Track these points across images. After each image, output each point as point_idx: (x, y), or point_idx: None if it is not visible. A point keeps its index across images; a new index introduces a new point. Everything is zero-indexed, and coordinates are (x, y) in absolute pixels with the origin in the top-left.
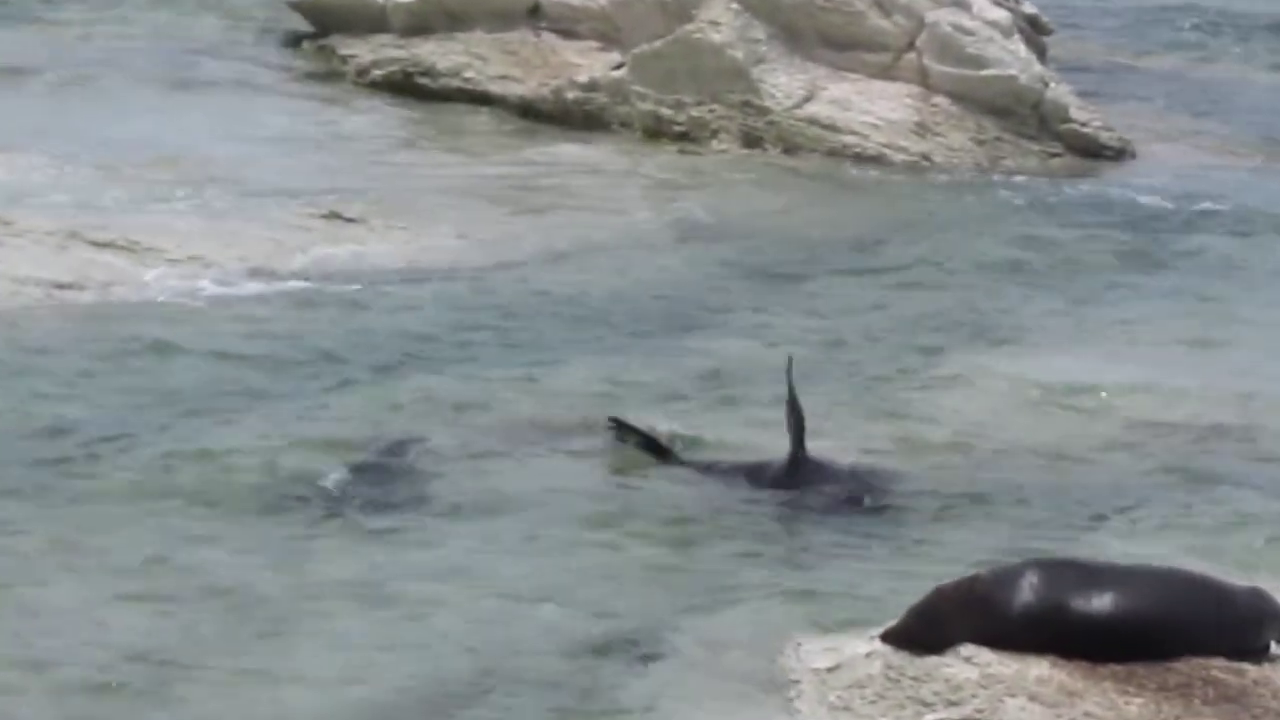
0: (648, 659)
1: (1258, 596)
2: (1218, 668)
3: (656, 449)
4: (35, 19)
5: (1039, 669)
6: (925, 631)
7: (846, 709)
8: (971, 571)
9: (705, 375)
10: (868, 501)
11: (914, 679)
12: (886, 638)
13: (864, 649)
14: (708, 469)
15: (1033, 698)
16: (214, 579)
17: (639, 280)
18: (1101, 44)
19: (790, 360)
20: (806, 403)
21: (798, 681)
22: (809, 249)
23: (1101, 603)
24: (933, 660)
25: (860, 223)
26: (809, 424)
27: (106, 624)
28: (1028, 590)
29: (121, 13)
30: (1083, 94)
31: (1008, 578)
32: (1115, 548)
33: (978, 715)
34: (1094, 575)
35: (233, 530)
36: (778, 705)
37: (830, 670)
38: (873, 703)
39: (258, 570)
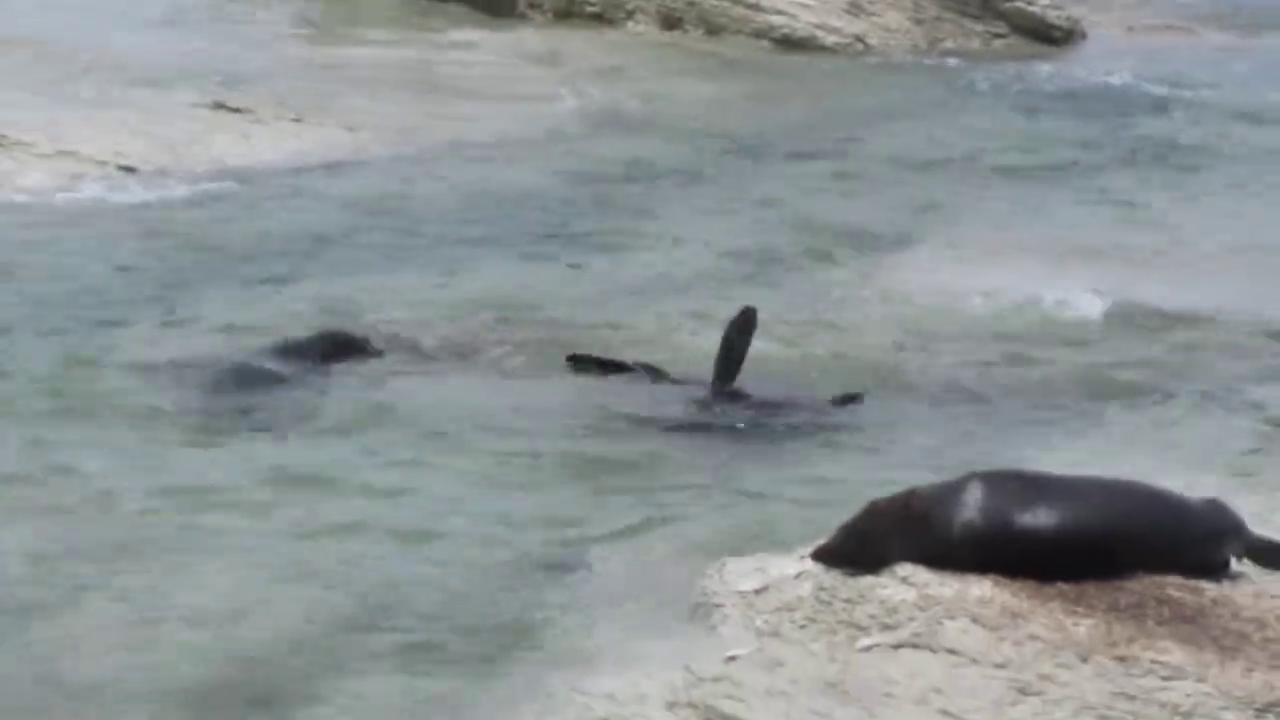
0: (567, 581)
1: (1216, 508)
2: (1173, 586)
3: (616, 365)
4: None
5: (981, 589)
6: (860, 550)
7: (775, 634)
8: (907, 487)
9: (623, 285)
10: (797, 418)
11: (847, 601)
12: (818, 556)
13: (793, 569)
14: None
15: (974, 620)
16: (95, 489)
17: (547, 176)
18: None
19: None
20: (721, 309)
21: (721, 605)
22: (732, 141)
23: (1049, 516)
24: (867, 581)
25: (788, 113)
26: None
27: None
28: (970, 505)
29: None
30: None
31: (947, 492)
32: (1060, 458)
33: (915, 639)
34: (1040, 488)
35: (115, 440)
36: (701, 631)
37: (757, 592)
38: (803, 627)
39: (147, 481)
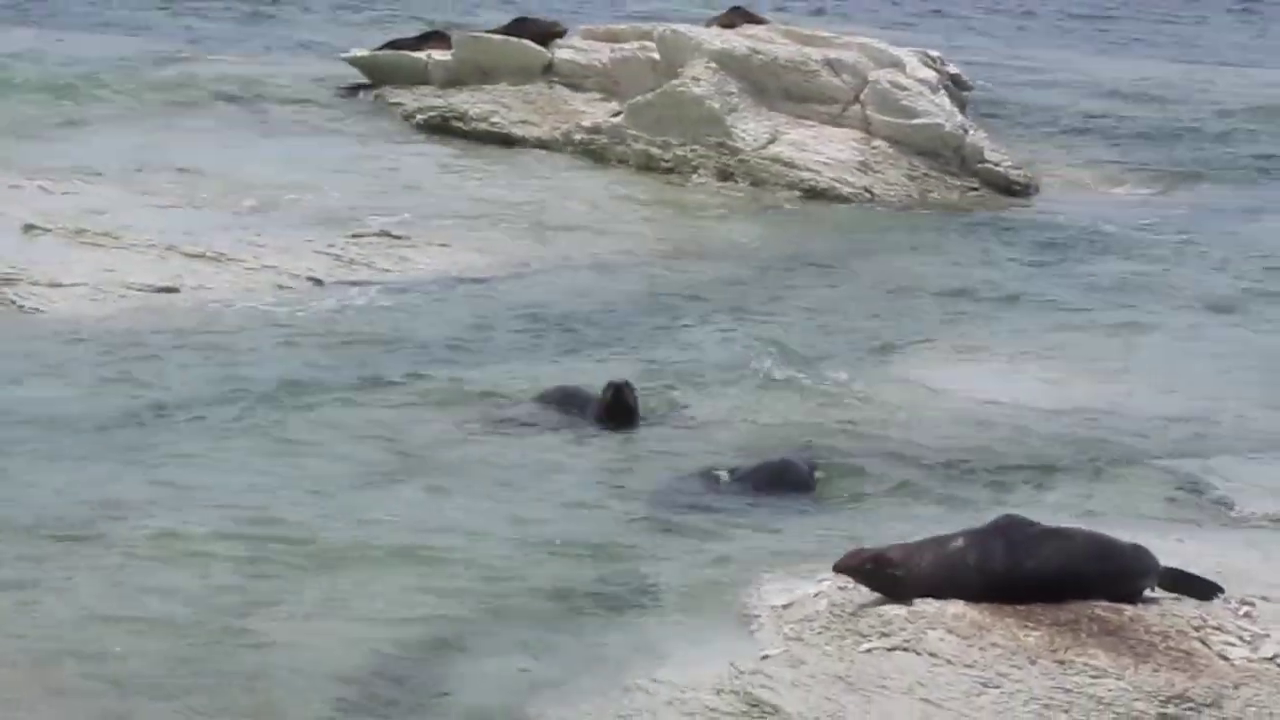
0: (629, 601)
1: (1140, 552)
2: (1101, 608)
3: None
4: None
5: (955, 607)
6: (881, 581)
7: (798, 639)
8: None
9: (672, 367)
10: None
11: (852, 615)
12: (841, 569)
13: (812, 589)
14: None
15: (950, 630)
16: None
17: (627, 292)
18: (1017, 98)
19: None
20: (766, 391)
21: (758, 616)
22: (769, 267)
23: (1042, 563)
24: (869, 597)
25: (813, 245)
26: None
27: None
28: (996, 555)
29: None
30: (997, 132)
31: (971, 541)
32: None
33: (905, 644)
34: (1028, 540)
35: (322, 485)
36: (742, 636)
37: (785, 607)
38: (819, 633)
39: (315, 514)
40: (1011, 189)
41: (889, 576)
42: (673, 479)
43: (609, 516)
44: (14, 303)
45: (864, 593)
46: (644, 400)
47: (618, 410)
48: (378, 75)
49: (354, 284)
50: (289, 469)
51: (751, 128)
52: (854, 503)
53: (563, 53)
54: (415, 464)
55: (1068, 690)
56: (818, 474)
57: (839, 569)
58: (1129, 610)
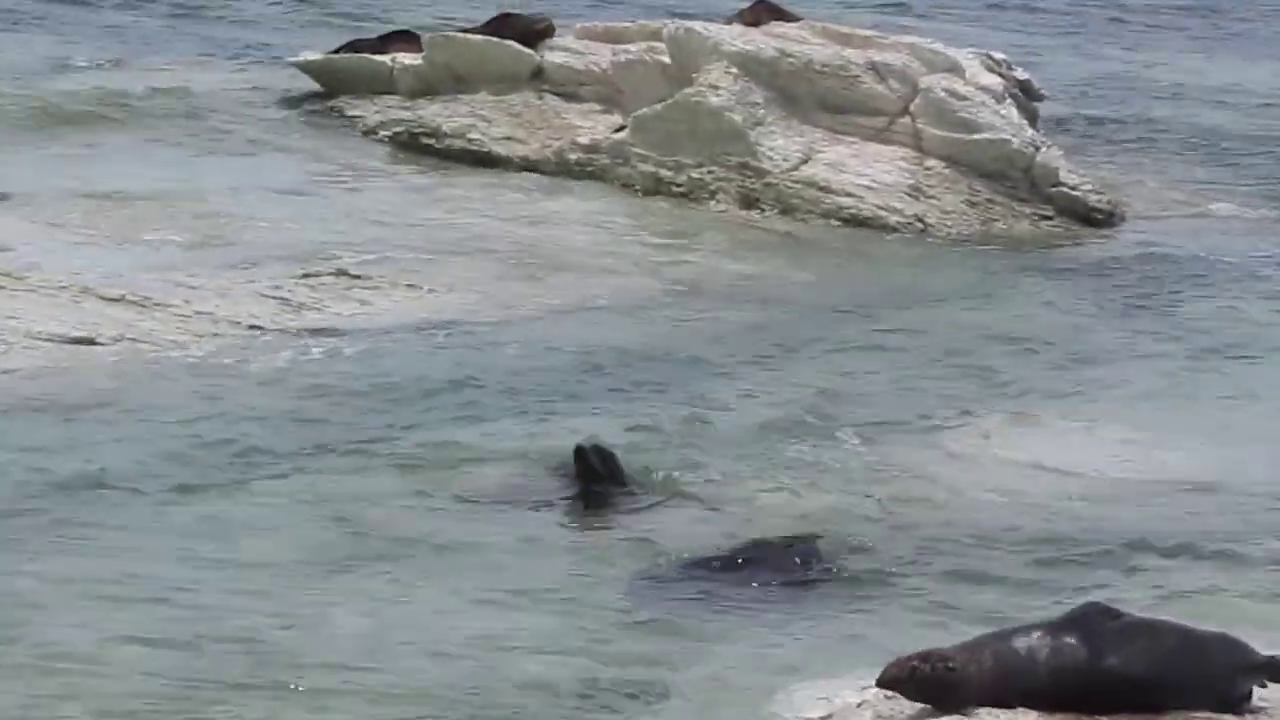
0: (631, 712)
1: (1242, 647)
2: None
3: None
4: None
5: (1026, 718)
6: (933, 692)
7: None
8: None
9: (681, 430)
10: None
11: None
12: (886, 684)
13: (854, 698)
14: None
15: None
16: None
17: (632, 341)
18: (1090, 109)
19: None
20: (792, 461)
21: None
22: (801, 314)
23: (1123, 660)
24: (921, 710)
25: (855, 287)
26: None
27: None
28: (1066, 652)
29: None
30: (1075, 150)
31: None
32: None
33: None
34: (1104, 634)
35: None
36: None
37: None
38: None
39: (261, 612)
40: (1092, 217)
41: (943, 680)
42: (674, 564)
43: (599, 608)
44: None
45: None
46: (650, 469)
47: (584, 477)
48: (333, 83)
49: (305, 333)
50: (228, 556)
51: (780, 145)
52: (900, 595)
53: (554, 56)
54: (376, 546)
55: None
56: (819, 564)
57: (884, 683)
58: None
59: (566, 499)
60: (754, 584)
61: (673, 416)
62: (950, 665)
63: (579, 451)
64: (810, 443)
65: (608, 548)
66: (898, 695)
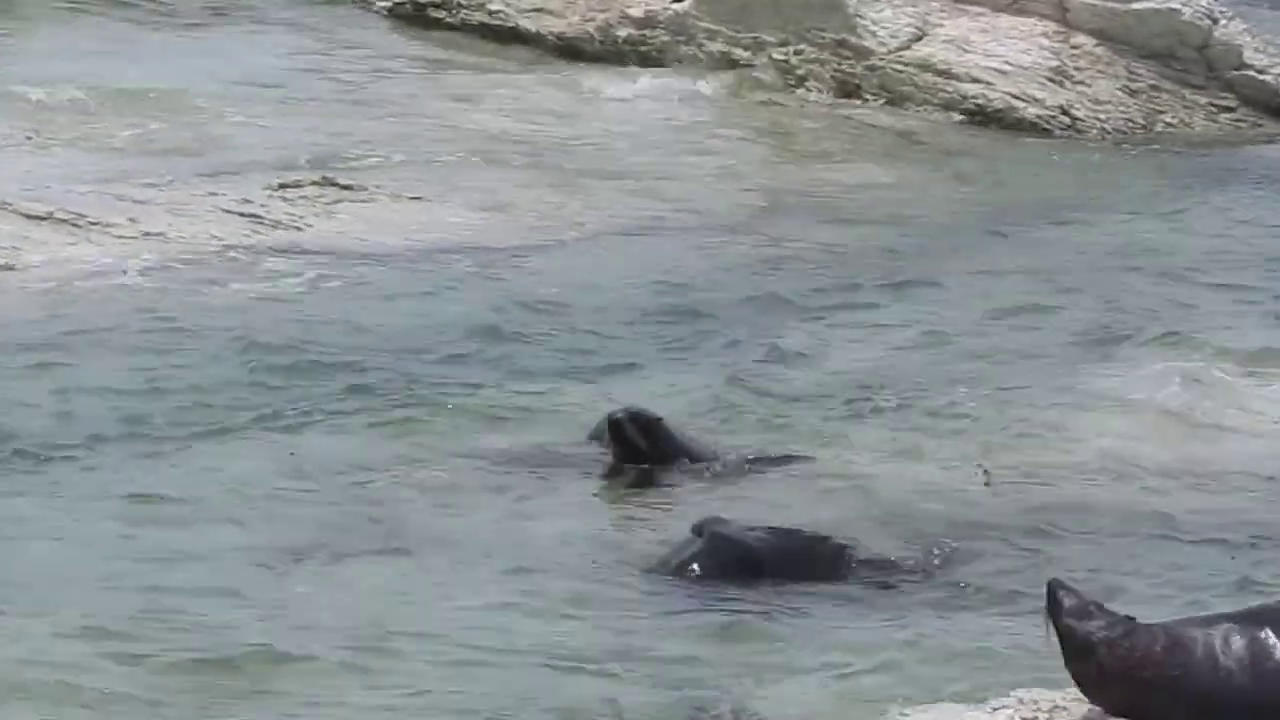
0: None
1: None
2: None
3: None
4: None
5: None
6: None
7: None
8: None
9: (761, 394)
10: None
11: None
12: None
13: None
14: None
15: None
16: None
17: (696, 272)
18: None
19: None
20: (898, 436)
21: None
22: (911, 236)
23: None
24: None
25: (980, 201)
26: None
27: None
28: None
29: None
30: (1265, 23)
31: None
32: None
33: None
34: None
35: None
36: None
37: None
38: None
39: (229, 609)
40: None
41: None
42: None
43: (644, 609)
44: None
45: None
46: (716, 438)
47: (620, 449)
48: None
49: (278, 258)
50: (182, 540)
51: (887, 17)
52: (1019, 596)
53: None
54: (362, 532)
55: None
56: (922, 560)
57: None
58: None
59: (605, 477)
60: (839, 584)
61: (744, 370)
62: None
63: (613, 425)
64: (919, 401)
65: (650, 538)
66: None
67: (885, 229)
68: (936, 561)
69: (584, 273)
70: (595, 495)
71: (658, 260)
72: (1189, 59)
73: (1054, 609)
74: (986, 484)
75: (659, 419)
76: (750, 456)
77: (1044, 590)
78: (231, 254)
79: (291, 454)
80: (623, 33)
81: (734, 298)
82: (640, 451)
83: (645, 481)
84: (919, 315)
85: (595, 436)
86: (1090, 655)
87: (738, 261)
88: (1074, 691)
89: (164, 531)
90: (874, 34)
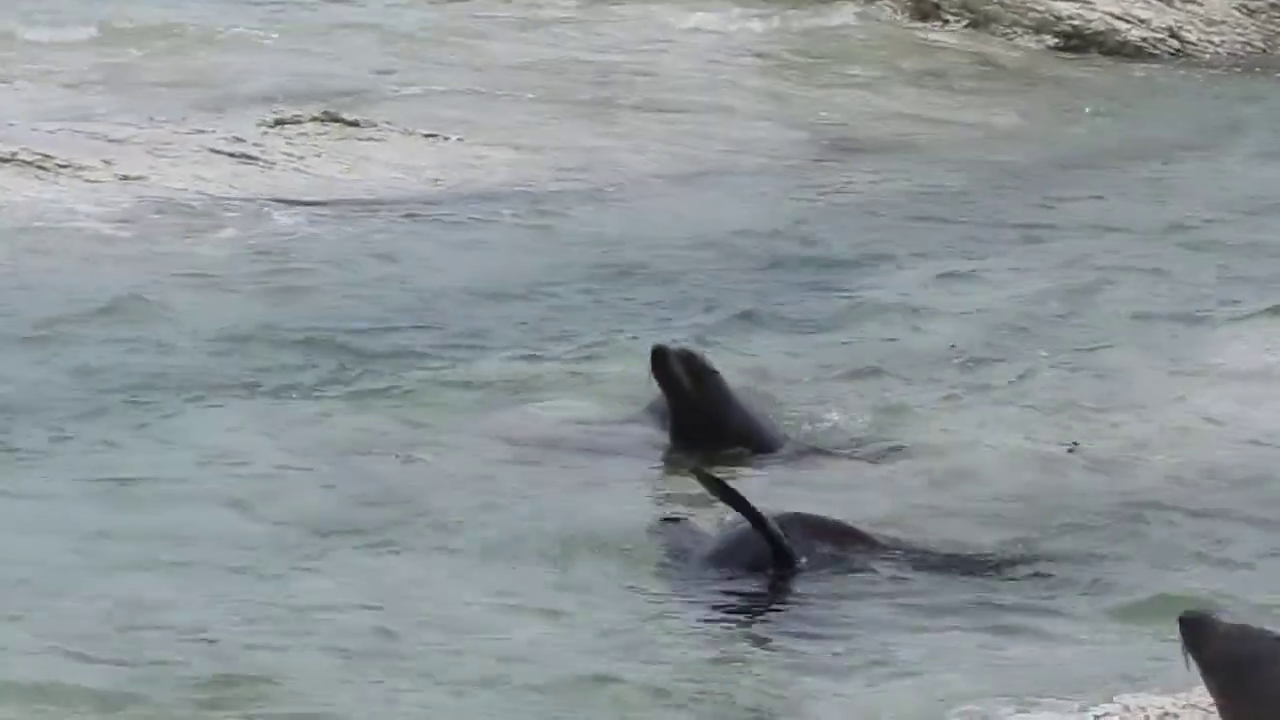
0: None
1: None
2: None
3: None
4: None
5: None
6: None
7: None
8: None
9: (846, 365)
10: None
11: None
12: None
13: None
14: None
15: None
16: None
17: (756, 217)
18: None
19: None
20: (985, 405)
21: None
22: (1004, 179)
23: None
24: None
25: (1079, 137)
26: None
27: None
28: None
29: None
30: None
31: None
32: None
33: None
34: None
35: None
36: None
37: None
38: None
39: (219, 614)
40: None
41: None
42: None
43: (690, 608)
44: None
45: None
46: (779, 407)
47: (658, 381)
48: None
49: (273, 205)
50: (162, 524)
51: None
52: (1108, 593)
53: None
54: (369, 520)
55: None
56: (1016, 557)
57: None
58: None
59: (653, 458)
60: (923, 579)
61: (812, 330)
62: None
63: (657, 355)
64: (1012, 367)
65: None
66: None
67: (965, 172)
68: (1027, 548)
69: (623, 220)
70: (640, 480)
71: (711, 206)
72: None
73: (1194, 642)
74: (1072, 450)
75: (713, 370)
76: (821, 437)
77: (1175, 619)
78: (220, 200)
79: (285, 428)
80: None
81: (795, 251)
82: (683, 394)
83: (690, 436)
84: (1002, 272)
85: (651, 411)
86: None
87: (799, 208)
88: (1187, 697)
89: (141, 515)
90: None
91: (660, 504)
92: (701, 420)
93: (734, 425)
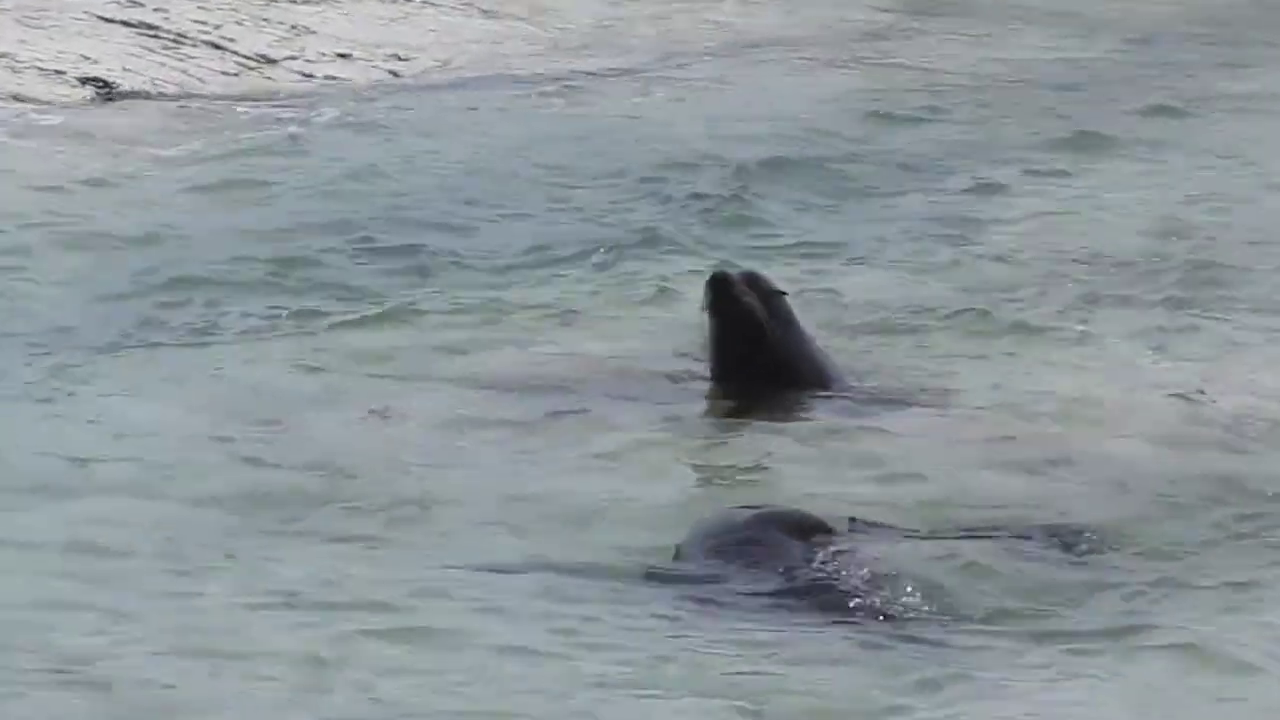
0: None
1: None
2: None
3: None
4: None
5: None
6: None
7: None
8: None
9: (916, 300)
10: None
11: None
12: None
13: None
14: None
15: None
16: None
17: (809, 110)
18: None
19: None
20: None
21: None
22: (1119, 48)
23: None
24: None
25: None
26: None
27: None
28: None
29: None
30: None
31: None
32: None
33: None
34: None
35: None
36: None
37: None
38: None
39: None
40: None
41: None
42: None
43: (724, 606)
44: None
45: None
46: (858, 351)
47: (722, 316)
48: None
49: (188, 96)
50: (106, 503)
51: None
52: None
53: None
54: (341, 495)
55: None
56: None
57: None
58: None
59: (688, 409)
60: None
61: (875, 253)
62: None
63: (716, 282)
64: (1097, 310)
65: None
66: None
67: (1069, 38)
68: (1131, 537)
69: (650, 111)
70: (671, 439)
71: (751, 95)
72: None
73: None
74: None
75: (782, 292)
76: (891, 384)
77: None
78: (112, 88)
79: (221, 380)
80: None
81: (851, 148)
82: (752, 323)
83: (748, 411)
84: (1098, 190)
85: (688, 351)
86: None
87: (856, 97)
88: None
89: (82, 492)
90: None
91: (696, 468)
92: (765, 356)
93: (805, 366)
